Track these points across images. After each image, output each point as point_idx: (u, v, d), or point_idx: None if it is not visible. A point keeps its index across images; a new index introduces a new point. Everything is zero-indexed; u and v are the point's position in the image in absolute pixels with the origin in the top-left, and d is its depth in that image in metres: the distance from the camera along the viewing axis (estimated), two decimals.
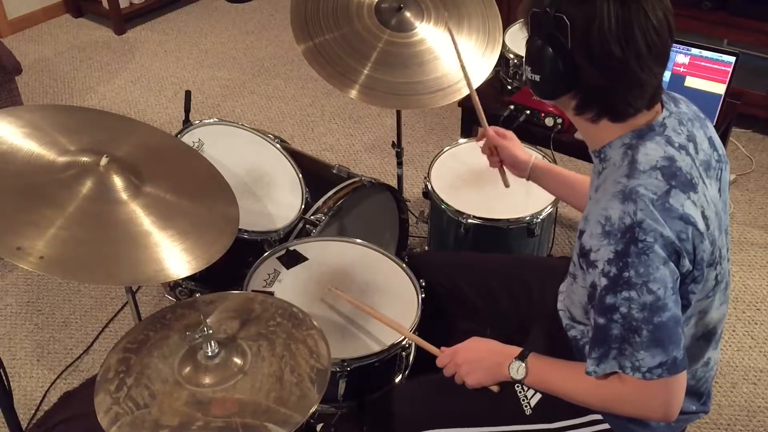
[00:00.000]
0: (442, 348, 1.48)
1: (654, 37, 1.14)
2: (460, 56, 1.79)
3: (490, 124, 1.76)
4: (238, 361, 1.36)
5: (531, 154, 1.71)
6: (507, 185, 1.77)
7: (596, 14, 1.12)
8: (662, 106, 1.26)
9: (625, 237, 1.14)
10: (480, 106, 1.76)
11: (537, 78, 1.21)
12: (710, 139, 1.29)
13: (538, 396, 1.41)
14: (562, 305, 1.47)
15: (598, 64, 1.16)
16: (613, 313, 1.18)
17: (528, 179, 1.71)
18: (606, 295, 1.17)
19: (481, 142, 1.75)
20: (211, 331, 1.37)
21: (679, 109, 1.28)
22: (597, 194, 1.24)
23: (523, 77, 1.27)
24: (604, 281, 1.17)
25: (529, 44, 1.22)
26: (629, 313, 1.16)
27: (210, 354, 1.35)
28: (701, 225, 1.18)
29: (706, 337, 1.34)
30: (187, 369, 1.34)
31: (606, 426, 1.37)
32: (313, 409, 1.27)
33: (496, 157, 1.73)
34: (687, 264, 1.17)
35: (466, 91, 1.93)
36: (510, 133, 1.73)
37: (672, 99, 1.29)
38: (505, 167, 1.75)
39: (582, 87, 1.19)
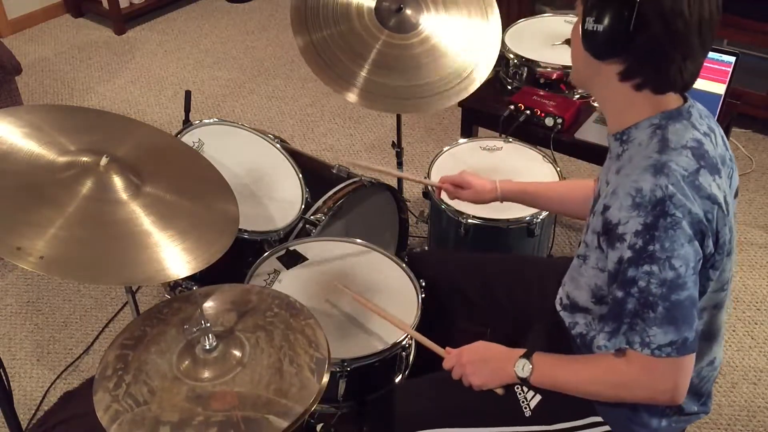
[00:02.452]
0: (448, 348, 1.48)
1: (714, 8, 1.16)
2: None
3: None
4: (236, 353, 1.36)
5: (494, 181, 1.71)
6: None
7: None
8: (685, 97, 1.27)
9: (656, 209, 1.14)
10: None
11: (599, 28, 1.17)
12: (722, 138, 1.30)
13: (538, 397, 1.41)
14: (561, 295, 1.45)
15: (665, 22, 1.14)
16: (631, 286, 1.18)
17: (502, 201, 1.72)
18: (628, 267, 1.18)
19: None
20: (208, 324, 1.36)
21: (696, 104, 1.29)
22: (623, 171, 1.23)
23: (583, 29, 1.21)
24: (629, 253, 1.17)
25: None
26: (647, 288, 1.16)
27: (208, 347, 1.35)
28: (725, 207, 1.19)
29: (714, 335, 1.34)
30: (186, 363, 1.34)
31: (606, 428, 1.37)
32: (313, 399, 1.27)
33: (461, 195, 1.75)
34: (710, 245, 1.18)
35: (464, 95, 1.93)
36: (460, 178, 1.74)
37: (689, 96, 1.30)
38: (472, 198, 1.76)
39: (639, 48, 1.17)
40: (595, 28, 1.18)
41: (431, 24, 1.98)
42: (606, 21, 1.16)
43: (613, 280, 1.23)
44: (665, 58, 1.18)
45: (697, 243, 1.16)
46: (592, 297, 1.33)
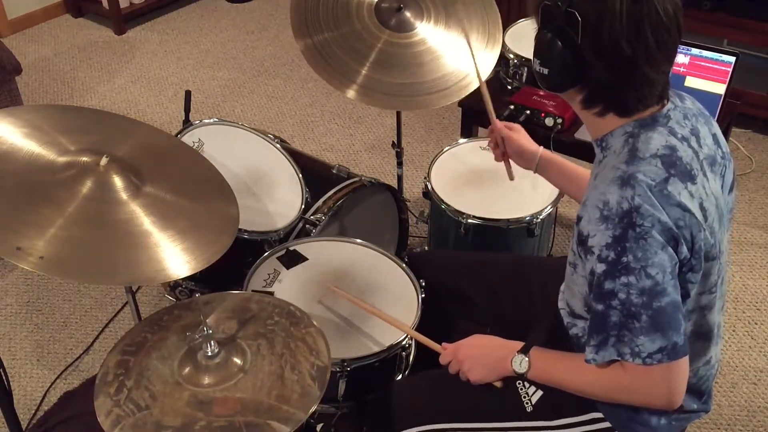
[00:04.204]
0: (444, 344, 1.49)
1: (664, 35, 1.15)
2: (472, 50, 1.80)
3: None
4: (238, 360, 1.36)
5: (539, 147, 1.70)
6: (512, 178, 1.77)
7: (608, 11, 1.13)
8: (667, 100, 1.26)
9: (623, 222, 1.14)
10: (489, 100, 1.75)
11: (545, 71, 1.22)
12: (714, 136, 1.29)
13: (540, 393, 1.41)
14: (562, 303, 1.47)
15: (607, 61, 1.16)
16: (611, 299, 1.18)
17: (535, 171, 1.70)
18: (605, 280, 1.18)
19: (488, 142, 1.75)
20: (210, 331, 1.37)
21: (684, 104, 1.29)
22: (595, 181, 1.24)
23: (532, 69, 1.27)
24: (602, 267, 1.17)
25: (539, 37, 1.22)
26: (628, 299, 1.16)
27: (210, 354, 1.35)
28: (699, 215, 1.18)
29: (708, 336, 1.34)
30: (187, 369, 1.34)
31: (607, 424, 1.37)
32: (314, 406, 1.27)
33: (501, 149, 1.72)
34: (685, 251, 1.18)
35: (465, 92, 1.93)
36: (517, 126, 1.73)
37: (677, 95, 1.30)
38: (511, 160, 1.74)
39: (589, 82, 1.20)
40: (541, 71, 1.23)
41: (428, 31, 1.99)
42: (551, 65, 1.20)
43: (589, 290, 1.24)
44: (619, 91, 1.20)
45: (671, 249, 1.16)
46: (585, 305, 1.33)
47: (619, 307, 1.18)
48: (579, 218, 1.22)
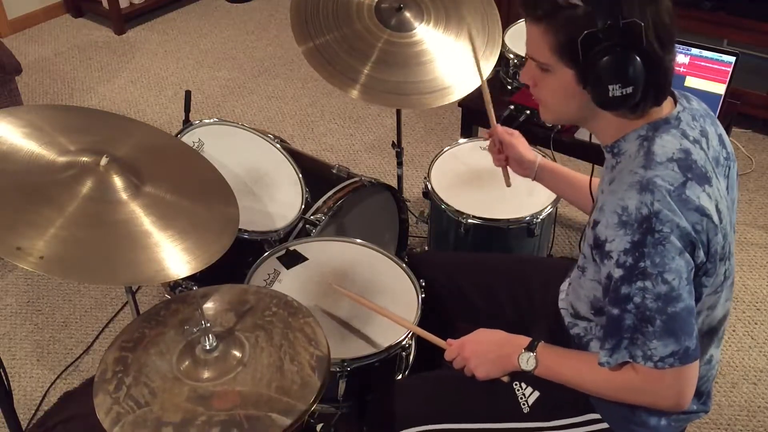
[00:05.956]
0: (449, 340, 1.48)
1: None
2: (476, 52, 1.78)
3: (490, 126, 1.75)
4: (236, 353, 1.36)
5: (537, 155, 1.70)
6: (508, 185, 1.77)
7: (660, 7, 1.15)
8: (675, 101, 1.26)
9: (642, 227, 1.14)
10: (490, 103, 1.74)
11: (629, 90, 1.15)
12: (720, 137, 1.30)
13: (536, 394, 1.41)
14: (564, 303, 1.47)
15: (667, 51, 1.17)
16: (626, 303, 1.18)
17: (534, 179, 1.70)
18: (621, 285, 1.18)
19: (488, 142, 1.74)
20: (209, 324, 1.36)
21: (691, 105, 1.29)
22: (612, 186, 1.23)
23: (609, 95, 1.17)
24: (619, 272, 1.17)
25: (604, 63, 1.14)
26: (643, 303, 1.17)
27: (208, 348, 1.35)
28: (715, 218, 1.19)
29: (710, 334, 1.34)
30: (186, 364, 1.34)
31: (605, 425, 1.37)
32: (315, 396, 1.27)
33: (502, 155, 1.72)
34: (701, 255, 1.18)
35: (464, 92, 1.93)
36: (517, 132, 1.72)
37: (684, 96, 1.30)
38: (509, 167, 1.74)
39: (648, 82, 1.17)
40: (624, 92, 1.16)
41: (428, 30, 1.99)
42: (634, 81, 1.15)
43: (605, 294, 1.24)
44: (666, 80, 1.20)
45: (687, 254, 1.16)
46: (591, 309, 1.34)
47: (633, 310, 1.18)
48: (596, 222, 1.22)
